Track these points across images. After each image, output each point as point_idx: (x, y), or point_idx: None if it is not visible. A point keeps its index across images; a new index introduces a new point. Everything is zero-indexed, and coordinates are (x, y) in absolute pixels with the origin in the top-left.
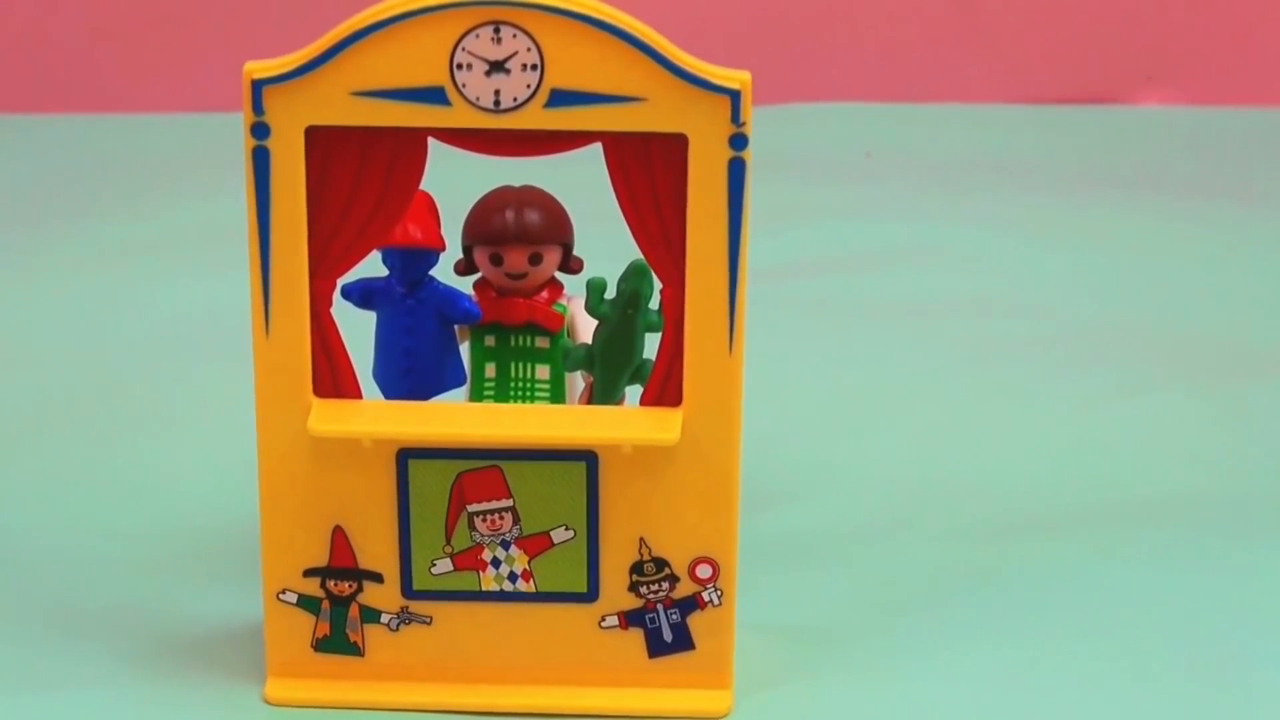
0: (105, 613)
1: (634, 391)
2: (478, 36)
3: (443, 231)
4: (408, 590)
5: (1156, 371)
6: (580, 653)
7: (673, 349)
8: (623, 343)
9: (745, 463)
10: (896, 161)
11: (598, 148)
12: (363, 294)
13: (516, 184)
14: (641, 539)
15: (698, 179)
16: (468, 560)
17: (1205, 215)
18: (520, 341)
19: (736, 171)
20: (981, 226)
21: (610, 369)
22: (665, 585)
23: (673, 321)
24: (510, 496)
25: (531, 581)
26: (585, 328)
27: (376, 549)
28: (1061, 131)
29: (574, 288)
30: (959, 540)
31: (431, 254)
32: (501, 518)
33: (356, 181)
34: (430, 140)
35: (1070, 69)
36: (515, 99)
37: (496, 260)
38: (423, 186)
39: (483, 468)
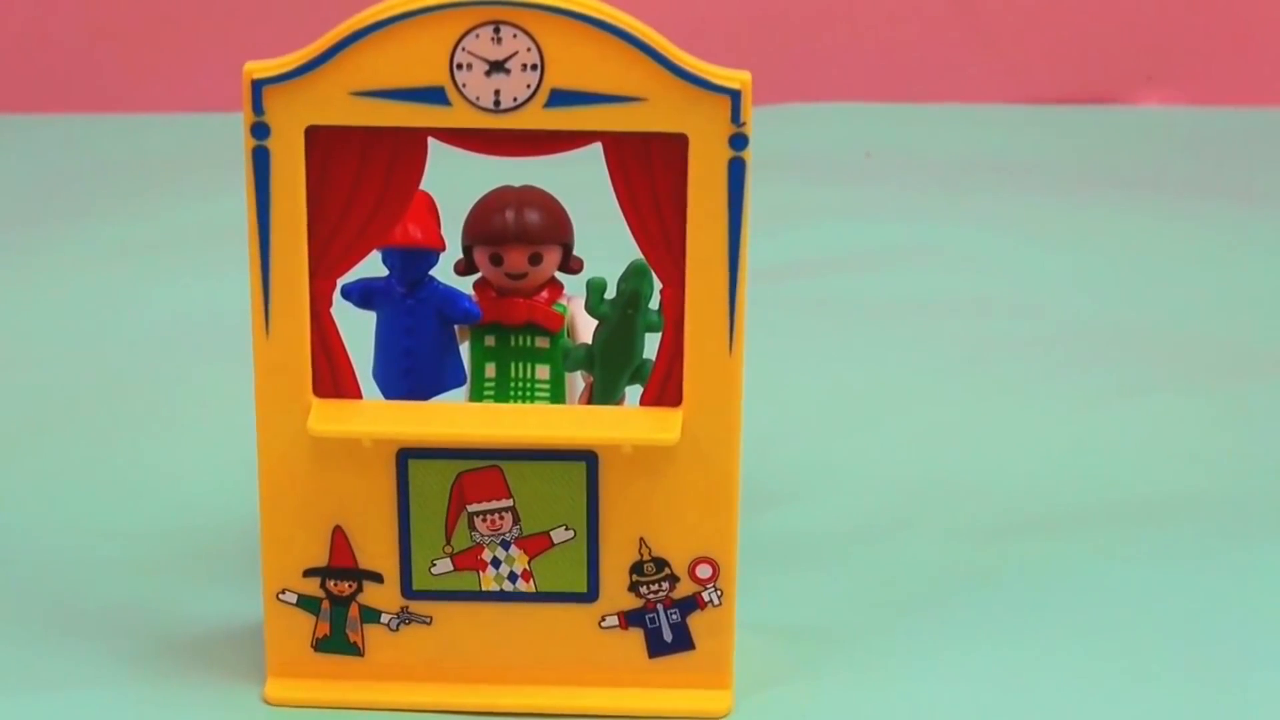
0: (105, 613)
1: (634, 391)
2: (478, 36)
3: (443, 231)
4: (408, 590)
5: (1156, 371)
6: (580, 653)
7: (673, 349)
8: (623, 343)
9: (745, 463)
10: (896, 161)
11: (598, 148)
12: (363, 294)
13: (516, 184)
14: (641, 539)
15: (698, 179)
16: (468, 560)
17: (1205, 215)
18: (520, 341)
19: (736, 171)
20: (981, 226)
21: (610, 369)
22: (665, 585)
23: (673, 321)
24: (510, 496)
25: (531, 581)
26: (585, 328)
27: (376, 549)
28: (1061, 131)
29: (574, 288)
30: (959, 540)
31: (431, 254)
32: (501, 518)
33: (356, 181)
34: (430, 140)
35: (1070, 69)
36: (515, 99)
37: (496, 260)
38: (423, 186)
39: (483, 468)
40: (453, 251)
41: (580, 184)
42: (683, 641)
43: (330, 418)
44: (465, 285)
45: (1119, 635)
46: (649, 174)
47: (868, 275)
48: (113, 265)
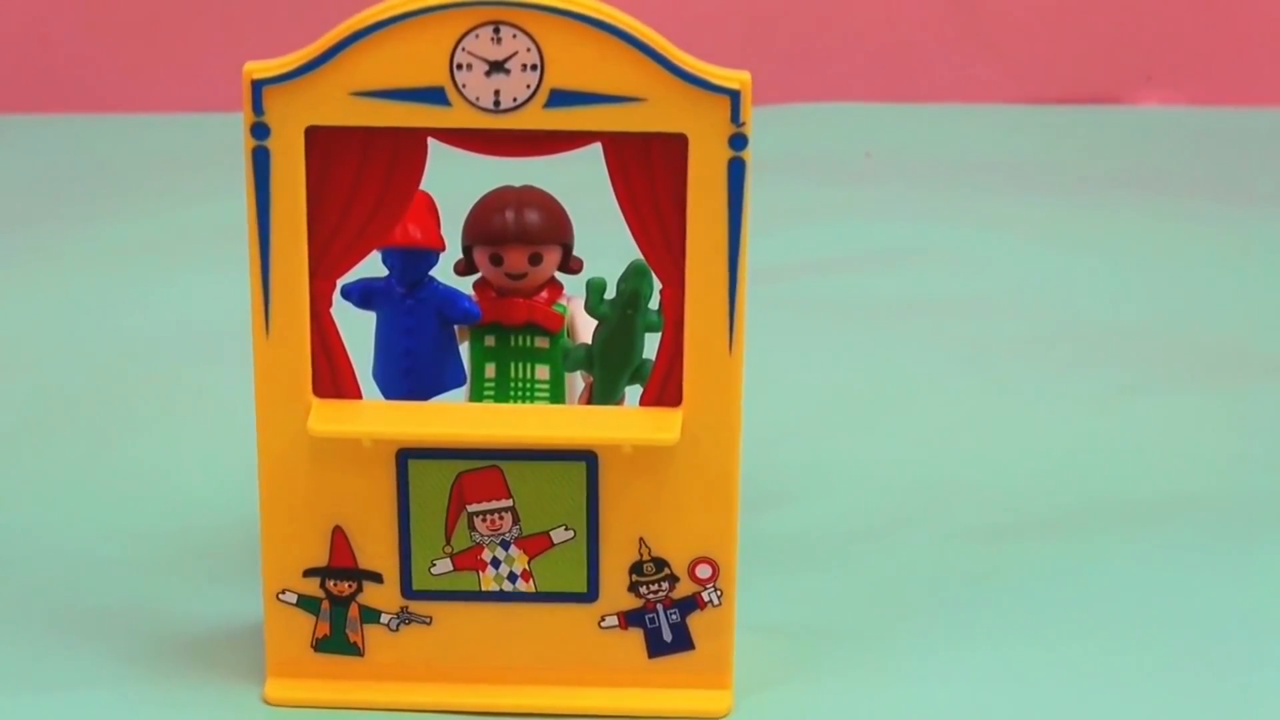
0: (105, 613)
1: (634, 391)
2: (477, 37)
3: (443, 231)
4: (407, 590)
5: (1156, 371)
6: (580, 653)
7: (673, 349)
8: (622, 343)
9: (745, 463)
10: (896, 161)
11: (598, 148)
12: (363, 294)
13: (516, 184)
14: (641, 539)
15: (697, 179)
16: (467, 560)
17: (1205, 215)
18: (520, 341)
19: (736, 171)
20: (981, 226)
21: (610, 369)
22: (665, 585)
23: (673, 321)
24: (510, 496)
25: (531, 581)
26: (585, 328)
27: (376, 549)
28: (1061, 131)
29: (574, 288)
30: (959, 540)
31: (431, 254)
32: (501, 518)
33: (356, 181)
34: (430, 140)
35: (1070, 69)
36: (515, 99)
37: (496, 260)
38: (423, 186)
39: (482, 468)
40: (453, 251)
41: (580, 184)
42: (682, 641)
43: (330, 418)
44: (465, 285)
45: (1119, 635)
46: (649, 174)
47: (868, 275)
48: (113, 265)
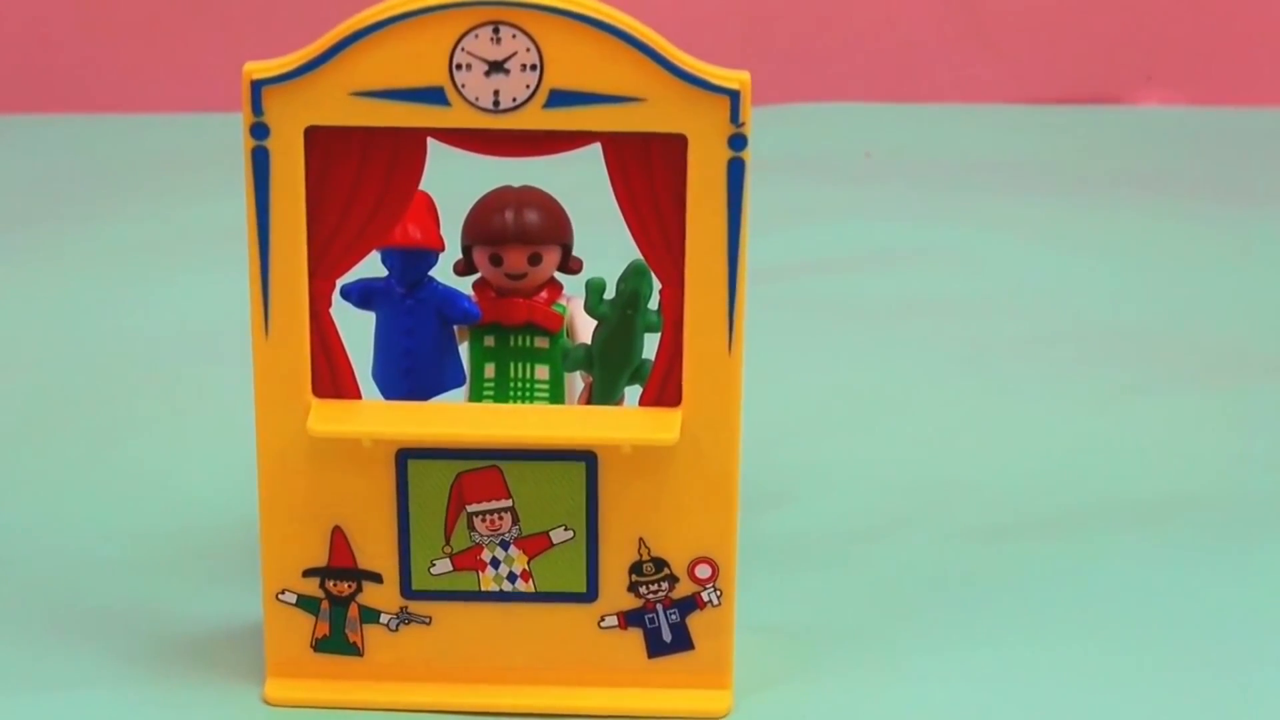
0: (105, 613)
1: (633, 391)
2: (477, 37)
3: (442, 232)
4: (407, 590)
5: (1157, 371)
6: (580, 653)
7: (672, 349)
8: (622, 343)
9: (745, 463)
10: (896, 161)
11: (597, 148)
12: (362, 294)
13: (516, 184)
14: (641, 539)
15: (697, 179)
16: (467, 560)
17: (1205, 215)
18: (519, 342)
19: (736, 172)
20: (981, 226)
21: (609, 369)
22: (664, 585)
23: (672, 321)
24: (509, 497)
25: (531, 582)
26: (585, 328)
27: (376, 549)
28: (1061, 131)
29: (573, 288)
30: (959, 540)
31: (431, 254)
32: (501, 518)
33: (356, 181)
34: (430, 140)
35: (1070, 69)
36: (515, 99)
37: (496, 260)
38: (423, 186)
39: (482, 468)
40: (452, 251)
41: (580, 184)
42: (682, 641)
43: (330, 418)
44: (465, 285)
45: (1119, 635)
46: (648, 174)
47: (868, 275)
48: (113, 265)
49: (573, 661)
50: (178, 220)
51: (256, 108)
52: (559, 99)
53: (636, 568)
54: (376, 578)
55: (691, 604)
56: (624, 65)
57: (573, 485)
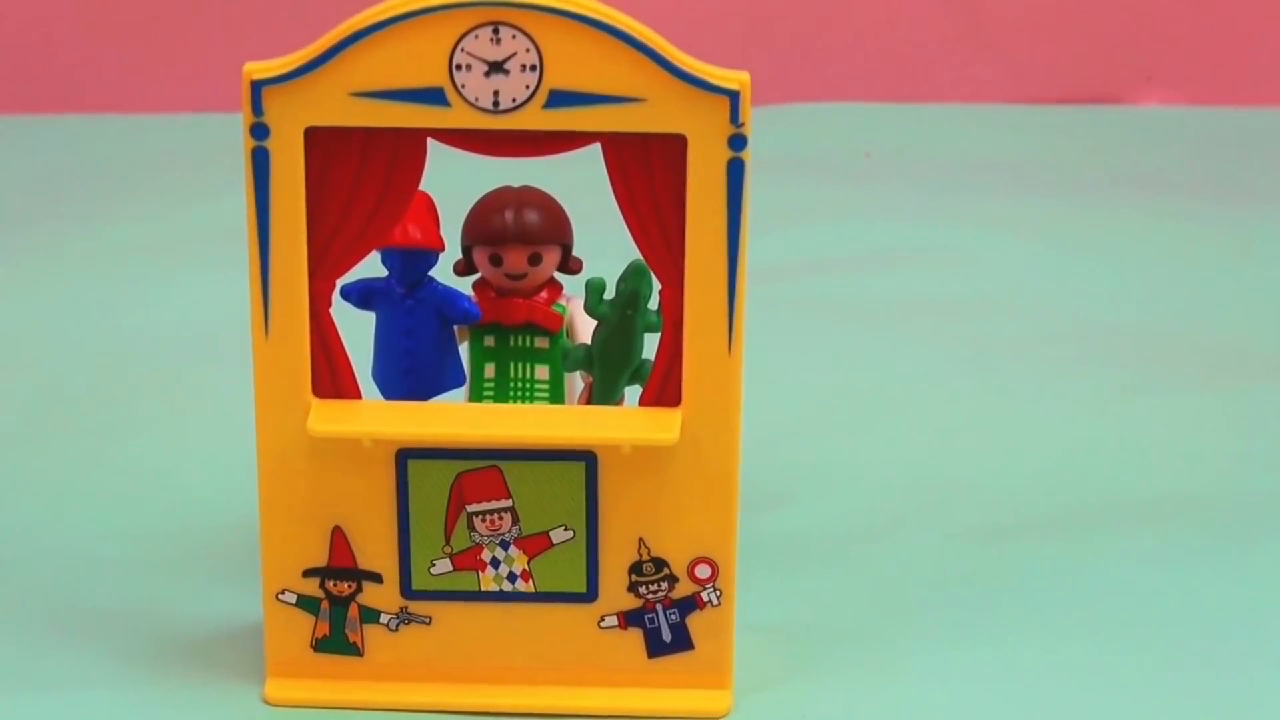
0: (105, 613)
1: (633, 392)
2: (477, 37)
3: (442, 232)
4: (407, 590)
5: (1157, 371)
6: (579, 653)
7: (672, 349)
8: (622, 343)
9: (745, 463)
10: (896, 161)
11: (597, 148)
12: (362, 294)
13: (516, 184)
14: (640, 539)
15: (697, 179)
16: (467, 560)
17: (1205, 215)
18: (519, 342)
19: (735, 172)
20: (981, 226)
21: (609, 369)
22: (664, 585)
23: (672, 322)
24: (509, 497)
25: (531, 582)
26: (584, 328)
27: (376, 549)
28: (1061, 131)
29: (573, 288)
30: (958, 540)
31: (431, 254)
32: (501, 518)
33: (356, 182)
34: (430, 140)
35: (1070, 69)
36: (514, 99)
37: (496, 260)
38: (423, 187)
39: (482, 468)
40: (452, 252)
41: (580, 184)
42: (682, 641)
43: (330, 418)
44: (465, 285)
45: (1119, 635)
46: (648, 175)
47: (868, 275)
48: (113, 265)
49: (573, 661)
50: (178, 220)
51: (256, 108)
52: (559, 99)
53: (636, 568)
54: (376, 578)
55: (691, 604)
56: (624, 65)
57: (573, 485)
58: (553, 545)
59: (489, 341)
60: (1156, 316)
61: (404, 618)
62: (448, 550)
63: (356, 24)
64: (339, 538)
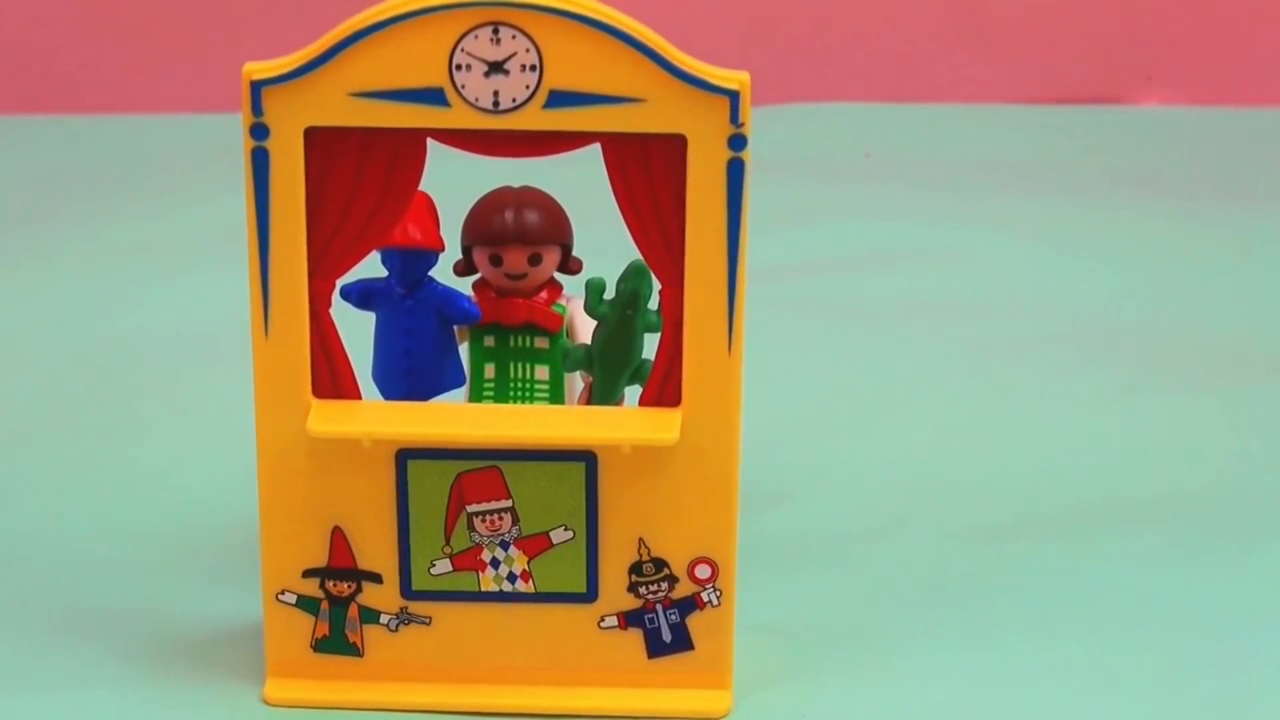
0: (105, 613)
1: (633, 392)
2: (477, 37)
3: (442, 232)
4: (407, 591)
5: (1157, 371)
6: (579, 653)
7: (672, 349)
8: (622, 343)
9: (745, 463)
10: (896, 161)
11: (597, 148)
12: (362, 294)
13: (516, 184)
14: (640, 539)
15: (697, 180)
16: (467, 561)
17: (1205, 215)
18: (519, 342)
19: (735, 172)
20: (981, 226)
21: (609, 369)
22: (664, 585)
23: (672, 322)
24: (509, 497)
25: (531, 582)
26: (584, 328)
27: (376, 549)
28: (1061, 131)
29: (573, 288)
30: (958, 540)
31: (431, 254)
32: (501, 518)
33: (356, 182)
34: (430, 140)
35: (1070, 69)
36: (514, 100)
37: (496, 261)
38: (422, 187)
39: (482, 468)
40: (452, 252)
41: (580, 184)
42: (682, 642)
43: (330, 418)
44: (465, 285)
45: (1119, 635)
46: (648, 175)
47: (868, 275)
48: (113, 265)
49: (573, 662)
50: (178, 220)
51: (256, 108)
52: (558, 99)
53: (636, 568)
54: (376, 578)
55: (691, 604)
56: (624, 66)
57: (573, 485)
58: (553, 545)
59: (489, 342)
60: (1156, 316)
61: (404, 618)
62: (448, 550)
63: (356, 24)
64: (339, 538)
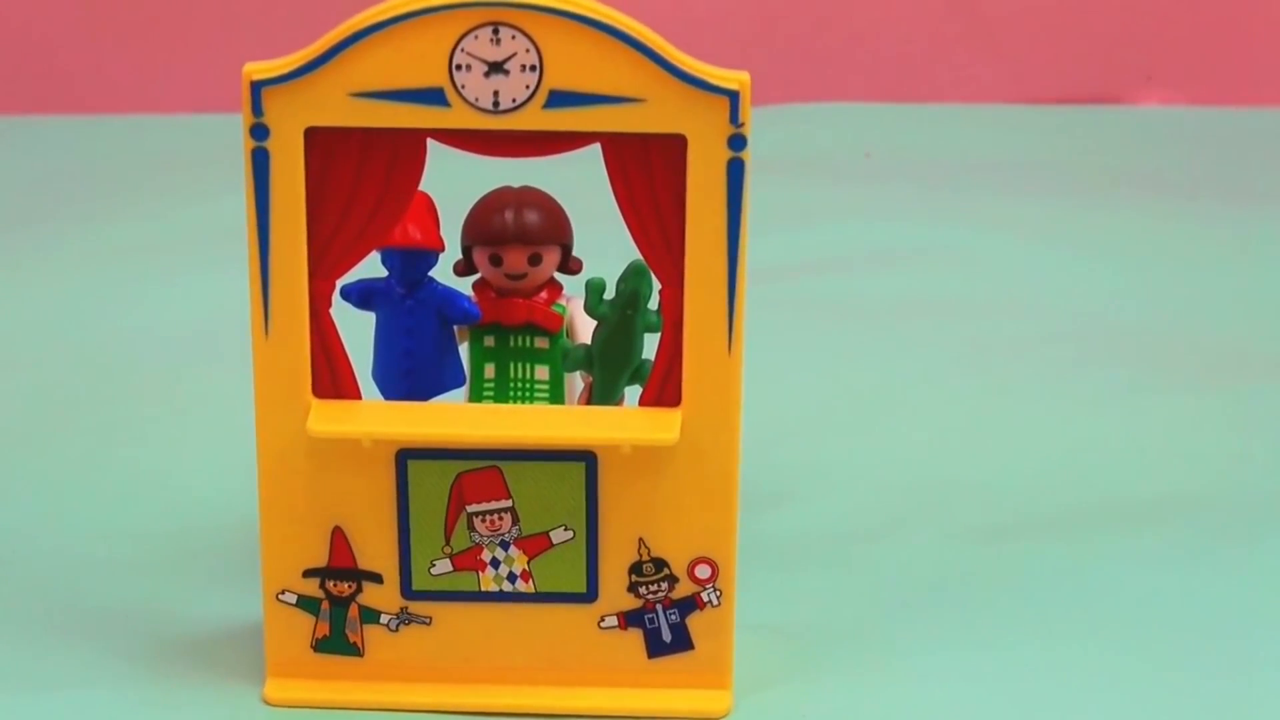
0: (105, 613)
1: (633, 392)
2: (477, 37)
3: (442, 232)
4: (407, 591)
5: (1157, 371)
6: (579, 653)
7: (672, 349)
8: (622, 343)
9: (745, 463)
10: (896, 161)
11: (597, 148)
12: (362, 294)
13: (516, 184)
14: (640, 539)
15: (697, 180)
16: (467, 561)
17: (1205, 215)
18: (519, 342)
19: (735, 172)
20: (981, 226)
21: (609, 369)
22: (664, 585)
23: (672, 322)
24: (509, 497)
25: (531, 582)
26: (584, 328)
27: (376, 549)
28: (1061, 131)
29: (573, 288)
30: (958, 540)
31: (431, 254)
32: (501, 518)
33: (356, 182)
34: (430, 140)
35: (1070, 69)
36: (514, 100)
37: (496, 261)
38: (422, 187)
39: (482, 468)
40: (452, 252)
41: (580, 184)
42: (682, 642)
43: (330, 418)
44: (465, 285)
45: (1119, 635)
46: (648, 175)
47: (868, 275)
48: (113, 265)
49: (573, 662)
50: (178, 220)
51: (256, 108)
52: (558, 99)
53: (636, 568)
54: (376, 578)
55: (691, 604)
56: (623, 66)
57: (573, 485)
58: (553, 545)
59: (489, 342)
60: (1156, 316)
61: (404, 618)
62: (448, 550)
63: (356, 24)
64: (339, 538)
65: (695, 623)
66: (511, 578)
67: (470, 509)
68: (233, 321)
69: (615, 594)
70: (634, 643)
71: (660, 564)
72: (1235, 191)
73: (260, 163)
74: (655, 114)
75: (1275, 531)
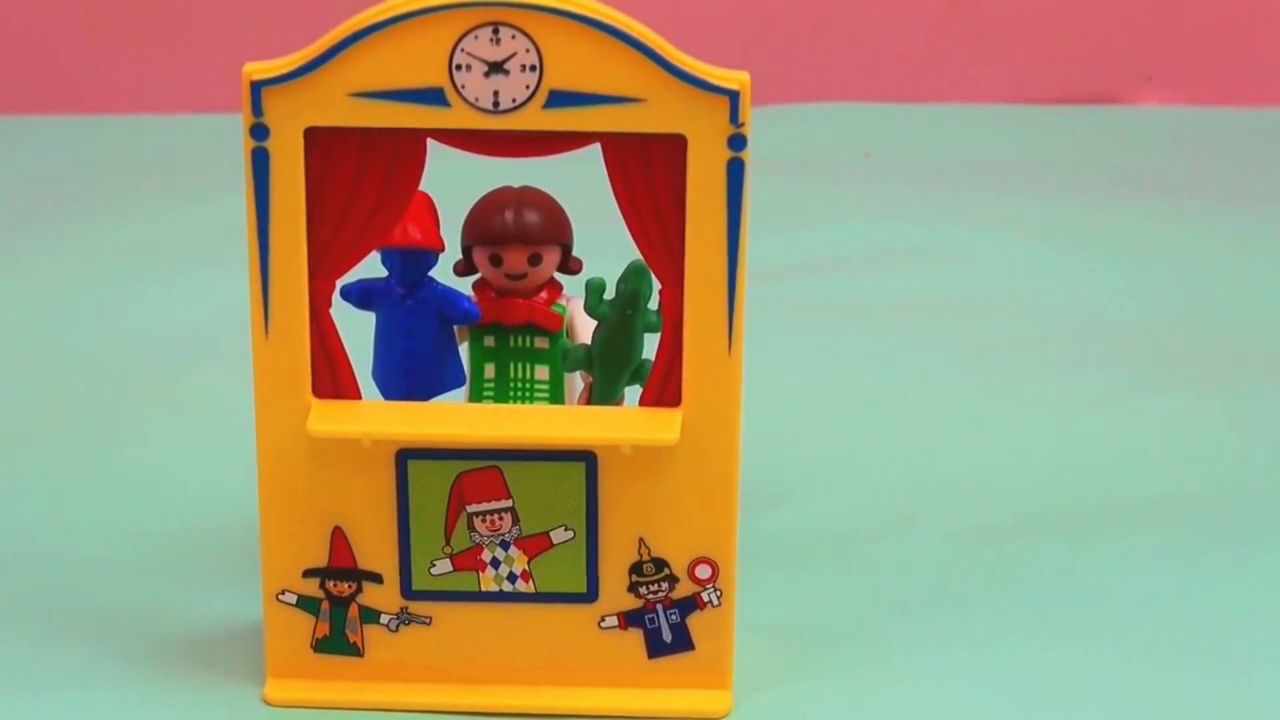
0: (105, 613)
1: (633, 392)
2: (477, 37)
3: (442, 232)
4: (407, 591)
5: (1157, 372)
6: (580, 653)
7: (672, 349)
8: (622, 343)
9: (745, 463)
10: (896, 161)
11: (597, 148)
12: (362, 295)
13: (516, 184)
14: (641, 539)
15: (697, 180)
16: (467, 561)
17: (1205, 215)
18: (519, 342)
19: (735, 172)
20: (982, 226)
21: (609, 369)
22: (664, 585)
23: (672, 322)
24: (510, 497)
25: (531, 582)
26: (584, 328)
27: (376, 549)
28: (1061, 131)
29: (573, 288)
30: (959, 540)
31: (431, 255)
32: (501, 518)
33: (356, 182)
34: (430, 140)
35: (1070, 69)
36: (514, 100)
37: (496, 261)
38: (423, 187)
39: (482, 468)
40: (452, 252)
41: (580, 184)
42: (682, 642)
43: (330, 418)
44: (465, 286)
45: (1119, 635)
46: (648, 175)
47: (868, 275)
48: (112, 265)
49: (573, 662)
50: (178, 220)
51: (256, 108)
52: (558, 99)
53: (636, 568)
54: (377, 578)
55: (691, 604)
56: (623, 66)
57: (573, 485)
58: (553, 545)
59: (489, 342)
60: (1156, 316)
61: (404, 618)
62: (448, 550)
63: (356, 24)
64: (339, 538)
65: (695, 623)
66: (512, 578)
67: (470, 509)
68: (233, 321)
69: (615, 594)
70: (634, 643)
71: (660, 564)
72: (1235, 191)
73: (260, 163)
74: (655, 114)
75: (1275, 531)
